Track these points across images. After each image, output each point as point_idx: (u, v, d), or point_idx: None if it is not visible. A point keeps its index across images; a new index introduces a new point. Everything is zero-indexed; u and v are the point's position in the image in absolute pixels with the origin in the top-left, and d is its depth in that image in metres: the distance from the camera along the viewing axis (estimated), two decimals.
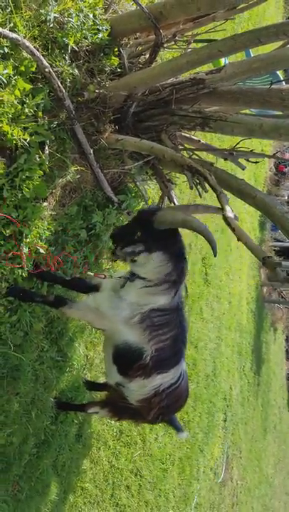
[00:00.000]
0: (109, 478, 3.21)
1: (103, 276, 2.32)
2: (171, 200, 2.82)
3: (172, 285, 2.08)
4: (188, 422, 4.48)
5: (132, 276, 2.13)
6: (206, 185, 2.33)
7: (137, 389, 2.21)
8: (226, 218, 2.06)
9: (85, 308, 2.20)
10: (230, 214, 2.13)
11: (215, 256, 2.00)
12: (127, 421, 2.84)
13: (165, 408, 2.24)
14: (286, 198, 10.81)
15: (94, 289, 2.28)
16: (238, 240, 2.14)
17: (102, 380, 2.99)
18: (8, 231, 2.12)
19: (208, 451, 4.90)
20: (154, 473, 3.77)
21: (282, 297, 10.11)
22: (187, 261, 2.13)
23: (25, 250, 2.23)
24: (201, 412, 4.78)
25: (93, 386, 2.90)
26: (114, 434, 3.29)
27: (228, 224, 2.05)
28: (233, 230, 2.06)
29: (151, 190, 3.31)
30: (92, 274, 2.47)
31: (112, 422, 3.25)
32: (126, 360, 2.18)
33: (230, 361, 5.95)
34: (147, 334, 2.09)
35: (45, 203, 2.35)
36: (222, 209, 2.20)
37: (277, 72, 4.36)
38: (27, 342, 2.37)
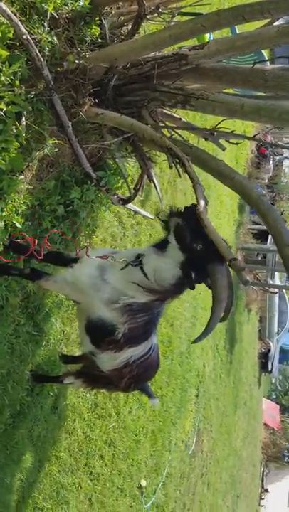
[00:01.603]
0: (83, 448, 3.29)
1: (105, 258, 2.18)
2: (150, 178, 2.80)
3: (158, 297, 2.09)
4: (161, 397, 4.60)
5: (134, 262, 2.08)
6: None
7: (108, 360, 2.25)
8: (199, 214, 1.96)
9: (62, 281, 2.20)
10: (203, 209, 2.02)
11: (194, 342, 2.07)
12: (100, 389, 2.89)
13: (136, 377, 2.30)
14: (266, 181, 10.89)
15: (71, 262, 2.26)
16: (208, 236, 2.04)
17: (77, 353, 3.03)
18: None
19: (180, 424, 5.07)
20: (127, 444, 3.89)
21: (257, 279, 10.33)
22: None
23: (1, 224, 2.20)
24: (174, 388, 4.92)
25: (69, 360, 2.93)
26: (89, 406, 3.36)
27: (201, 219, 1.96)
28: (204, 226, 1.97)
29: (131, 168, 3.29)
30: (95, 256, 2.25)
31: (88, 394, 3.31)
32: (98, 333, 2.21)
33: (204, 340, 6.09)
34: (124, 317, 2.12)
35: (21, 176, 2.31)
36: (197, 203, 2.08)
37: (263, 52, 4.33)
38: (2, 316, 2.37)
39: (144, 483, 4.18)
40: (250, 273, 9.84)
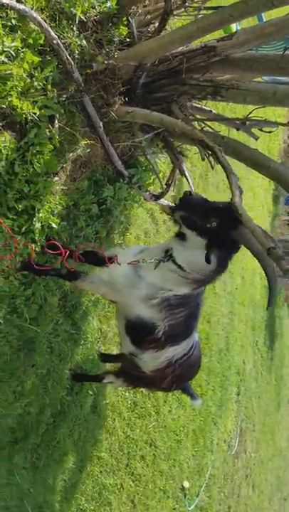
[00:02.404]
0: (124, 448, 3.30)
1: (136, 262, 2.17)
2: (182, 173, 2.78)
3: (202, 284, 2.07)
4: (201, 395, 4.54)
5: (165, 258, 2.07)
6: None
7: (150, 360, 2.24)
8: (233, 204, 1.91)
9: (99, 281, 2.21)
10: (237, 199, 1.96)
11: (268, 307, 2.00)
12: (141, 389, 2.88)
13: (178, 377, 2.27)
14: None
15: (108, 261, 2.27)
16: (245, 227, 1.97)
17: (115, 352, 3.04)
18: (20, 206, 2.14)
19: (221, 423, 4.98)
20: (168, 444, 3.86)
21: None
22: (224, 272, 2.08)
23: (38, 225, 2.25)
24: (214, 386, 4.84)
25: (107, 358, 2.95)
26: (129, 405, 3.36)
27: (236, 210, 1.90)
28: (240, 215, 1.91)
29: (162, 164, 3.27)
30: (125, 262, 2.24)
31: (127, 393, 3.32)
32: (138, 333, 2.20)
33: (243, 336, 5.98)
34: (163, 313, 2.09)
35: (56, 178, 2.35)
36: (231, 193, 2.02)
37: None
38: (42, 315, 2.41)
39: (186, 484, 4.14)
40: None
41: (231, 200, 1.93)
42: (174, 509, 3.93)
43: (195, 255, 1.99)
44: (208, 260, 1.91)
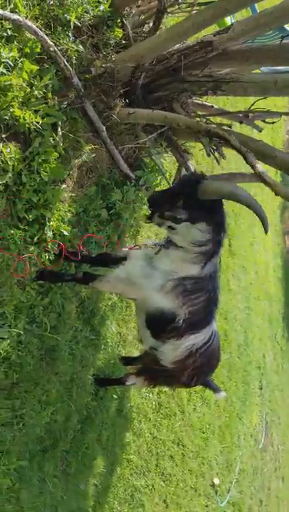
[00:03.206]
0: (152, 449, 3.29)
1: (138, 247, 2.25)
2: (188, 171, 2.78)
3: (207, 256, 2.05)
4: (224, 392, 4.52)
5: (168, 244, 2.10)
6: (224, 151, 2.28)
7: (171, 351, 2.22)
8: (259, 175, 1.91)
9: (115, 279, 2.21)
10: (261, 169, 1.96)
11: (266, 233, 1.94)
12: (162, 386, 2.86)
13: (199, 368, 2.26)
14: None
15: (121, 261, 2.28)
16: (277, 194, 1.97)
17: (136, 354, 3.04)
18: (31, 216, 2.15)
19: (246, 418, 4.95)
20: (196, 442, 3.84)
21: None
22: (226, 233, 2.07)
23: (50, 234, 2.26)
24: (236, 381, 4.82)
25: (129, 361, 2.95)
26: (154, 406, 3.36)
27: (264, 180, 1.90)
28: (269, 185, 1.91)
29: (168, 164, 3.27)
30: (127, 248, 2.39)
31: (150, 395, 3.31)
32: (159, 324, 2.19)
33: (261, 330, 5.94)
34: (180, 299, 2.09)
35: (63, 185, 2.36)
36: (253, 169, 2.02)
37: (286, 27, 4.19)
38: (61, 323, 2.42)
39: (217, 481, 4.12)
40: None
41: (255, 172, 1.93)
42: (207, 506, 3.91)
43: (189, 234, 2.01)
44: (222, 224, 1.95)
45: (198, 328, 2.16)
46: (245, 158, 1.99)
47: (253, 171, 1.98)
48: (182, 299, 2.07)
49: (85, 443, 2.62)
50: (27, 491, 2.19)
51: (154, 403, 3.37)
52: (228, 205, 2.08)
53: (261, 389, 5.60)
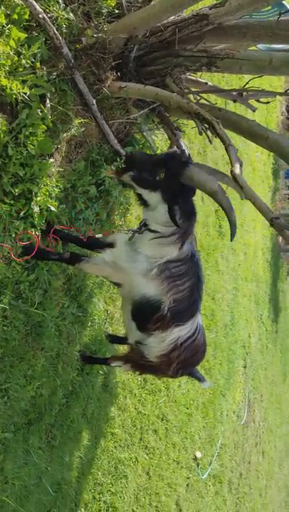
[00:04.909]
0: (136, 423, 3.36)
1: (111, 232, 2.28)
2: (180, 149, 2.73)
3: (181, 237, 2.06)
4: (209, 370, 4.61)
5: (141, 229, 2.10)
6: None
7: (156, 344, 2.24)
8: (233, 176, 1.91)
9: (102, 262, 2.21)
10: (237, 171, 1.95)
11: (231, 240, 1.99)
12: (148, 374, 2.91)
13: (184, 362, 2.28)
14: None
15: (109, 246, 2.27)
16: (246, 198, 2.02)
17: (123, 333, 3.07)
18: (17, 190, 2.11)
19: (230, 395, 5.07)
20: (180, 417, 3.93)
21: None
22: (196, 217, 2.10)
23: (36, 209, 2.23)
24: (221, 360, 4.91)
25: (115, 339, 2.97)
26: (139, 382, 3.41)
27: (236, 181, 1.91)
28: (240, 187, 1.92)
29: (159, 141, 3.22)
30: (101, 234, 2.44)
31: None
32: (145, 313, 2.21)
33: (247, 310, 6.02)
34: (166, 285, 2.10)
35: (51, 160, 2.31)
36: (231, 165, 2.02)
37: (284, 3, 4.08)
38: (47, 299, 2.41)
39: (199, 454, 4.24)
40: None
41: (231, 172, 1.90)
42: (188, 478, 4.04)
43: (158, 212, 2.01)
44: (173, 217, 1.93)
45: (183, 319, 2.17)
46: (226, 151, 1.97)
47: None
48: (167, 285, 2.07)
49: (70, 417, 2.66)
50: (11, 462, 2.23)
51: (139, 379, 3.42)
52: None
53: (245, 367, 5.72)
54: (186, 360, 2.29)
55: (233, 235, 1.94)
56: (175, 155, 2.04)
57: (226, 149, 1.99)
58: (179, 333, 2.20)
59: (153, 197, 2.03)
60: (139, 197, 2.12)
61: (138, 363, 2.46)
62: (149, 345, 2.27)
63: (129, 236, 2.14)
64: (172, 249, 2.08)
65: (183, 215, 2.01)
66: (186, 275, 2.13)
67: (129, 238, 2.14)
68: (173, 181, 1.95)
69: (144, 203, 2.10)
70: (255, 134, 2.29)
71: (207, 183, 1.91)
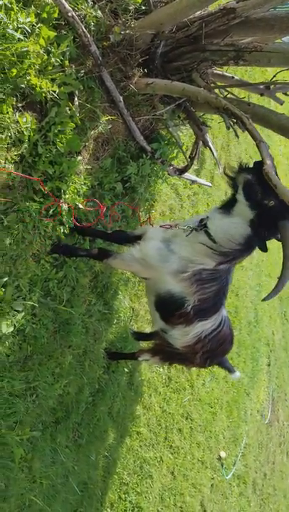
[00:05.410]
0: (161, 422, 3.35)
1: (168, 226, 2.17)
2: (206, 144, 2.70)
3: (227, 260, 2.00)
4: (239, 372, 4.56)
5: (199, 227, 2.02)
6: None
7: (180, 336, 2.21)
8: (266, 173, 1.82)
9: (130, 258, 2.18)
10: (271, 169, 1.86)
11: (264, 300, 1.98)
12: (177, 365, 2.89)
13: (211, 352, 2.25)
14: None
15: (136, 239, 2.24)
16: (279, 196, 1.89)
17: (148, 330, 3.05)
18: (46, 188, 2.11)
19: (254, 394, 5.00)
20: (204, 416, 3.90)
21: None
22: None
23: (65, 206, 2.23)
24: (245, 358, 4.85)
25: (141, 336, 2.96)
26: (164, 381, 3.39)
27: (269, 179, 1.82)
28: (274, 186, 1.83)
29: (184, 137, 3.19)
30: (159, 226, 2.27)
31: (161, 369, 3.34)
32: (168, 308, 2.18)
33: (271, 307, 5.93)
34: (194, 288, 2.06)
35: (79, 157, 2.31)
36: (262, 162, 1.92)
37: None
38: (75, 297, 2.42)
39: (223, 454, 4.20)
40: None
41: (264, 170, 1.85)
42: (212, 478, 4.00)
43: (232, 226, 1.93)
44: (258, 234, 1.88)
45: (207, 315, 2.13)
46: (258, 147, 1.91)
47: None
48: (196, 287, 2.03)
49: (96, 415, 2.67)
50: (39, 461, 2.24)
51: (164, 377, 3.40)
52: None
53: (269, 365, 5.63)
54: (213, 350, 2.25)
55: (270, 296, 1.92)
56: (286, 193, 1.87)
57: (257, 146, 1.94)
58: (203, 327, 2.16)
59: (245, 211, 1.92)
60: (231, 200, 2.01)
61: (166, 350, 2.42)
62: (172, 336, 2.25)
63: (187, 233, 2.05)
64: (211, 262, 2.03)
65: (252, 244, 1.96)
66: (216, 280, 2.09)
67: (187, 235, 2.05)
68: (270, 219, 1.88)
69: (229, 204, 1.99)
70: (284, 128, 2.25)
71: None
